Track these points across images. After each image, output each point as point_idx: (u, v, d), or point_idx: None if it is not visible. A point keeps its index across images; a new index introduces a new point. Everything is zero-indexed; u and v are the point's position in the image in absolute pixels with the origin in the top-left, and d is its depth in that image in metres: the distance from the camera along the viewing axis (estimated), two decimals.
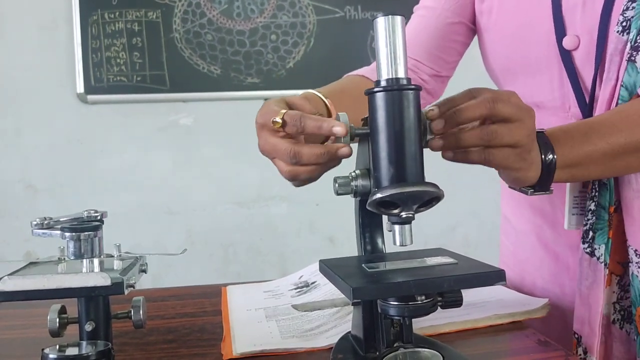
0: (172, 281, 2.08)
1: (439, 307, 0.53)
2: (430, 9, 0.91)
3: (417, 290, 0.49)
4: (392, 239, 0.55)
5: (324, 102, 0.72)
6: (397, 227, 0.54)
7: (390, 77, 0.53)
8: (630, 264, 0.71)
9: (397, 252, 0.61)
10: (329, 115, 0.72)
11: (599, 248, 0.71)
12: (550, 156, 0.62)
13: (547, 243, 0.85)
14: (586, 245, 0.73)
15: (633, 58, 0.67)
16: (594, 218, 0.72)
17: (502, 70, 0.84)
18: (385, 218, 0.58)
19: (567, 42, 0.74)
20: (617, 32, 0.68)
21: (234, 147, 2.24)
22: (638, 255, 0.69)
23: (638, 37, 0.66)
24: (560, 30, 0.74)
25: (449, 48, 0.92)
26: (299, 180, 0.61)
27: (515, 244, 0.93)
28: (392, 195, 0.51)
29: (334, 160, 0.58)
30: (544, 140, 0.62)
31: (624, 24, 0.68)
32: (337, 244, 2.30)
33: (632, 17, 0.67)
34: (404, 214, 0.52)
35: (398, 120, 0.52)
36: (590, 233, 0.72)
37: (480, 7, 0.86)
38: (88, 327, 0.53)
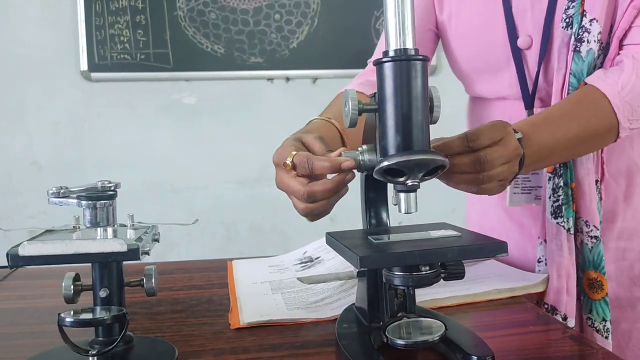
0: (175, 259, 2.10)
1: (441, 279, 0.55)
2: None
3: (422, 260, 0.50)
4: (397, 208, 0.56)
5: (338, 130, 0.77)
6: (402, 195, 0.56)
7: (399, 47, 0.54)
8: (579, 234, 0.80)
9: (402, 226, 0.63)
10: (344, 143, 0.77)
11: (567, 221, 0.79)
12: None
13: (513, 214, 0.91)
14: (560, 219, 0.80)
15: (578, 49, 0.77)
16: (563, 194, 0.79)
17: (468, 72, 0.92)
18: (390, 192, 0.59)
19: (521, 42, 0.84)
20: (562, 27, 0.79)
21: (236, 127, 2.25)
22: (588, 226, 0.79)
23: (579, 31, 0.77)
24: (512, 32, 0.84)
25: None
26: (314, 216, 0.64)
27: (481, 214, 0.99)
28: (399, 162, 0.52)
29: (343, 186, 0.60)
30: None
31: (567, 20, 0.78)
32: (337, 224, 2.31)
33: (573, 14, 0.78)
34: (409, 182, 0.53)
35: (406, 90, 0.53)
36: (563, 208, 0.79)
37: (441, 17, 0.93)
38: (102, 293, 0.54)
